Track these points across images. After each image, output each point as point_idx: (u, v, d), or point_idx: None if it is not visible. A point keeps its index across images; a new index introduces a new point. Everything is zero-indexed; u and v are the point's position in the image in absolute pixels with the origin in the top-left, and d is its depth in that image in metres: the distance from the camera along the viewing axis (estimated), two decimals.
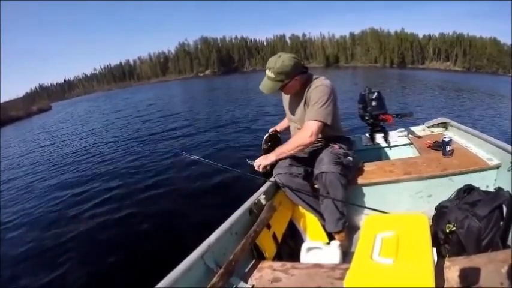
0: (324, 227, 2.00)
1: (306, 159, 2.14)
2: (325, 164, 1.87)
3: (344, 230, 1.96)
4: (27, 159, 9.11)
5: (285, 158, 2.06)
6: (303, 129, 1.98)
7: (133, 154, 7.06)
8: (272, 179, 2.04)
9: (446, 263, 1.21)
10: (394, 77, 33.55)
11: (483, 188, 1.92)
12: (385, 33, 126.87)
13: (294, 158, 2.09)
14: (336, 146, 2.06)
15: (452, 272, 1.17)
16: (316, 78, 2.06)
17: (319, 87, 1.99)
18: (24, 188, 6.12)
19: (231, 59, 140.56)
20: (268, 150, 2.17)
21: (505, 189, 1.78)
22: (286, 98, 2.26)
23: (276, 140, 2.40)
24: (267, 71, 1.96)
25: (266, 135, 2.35)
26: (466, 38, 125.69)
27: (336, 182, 1.84)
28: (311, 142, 1.95)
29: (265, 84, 1.99)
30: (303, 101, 2.06)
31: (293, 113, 2.20)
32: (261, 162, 2.01)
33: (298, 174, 2.01)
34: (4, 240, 3.91)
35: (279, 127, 2.53)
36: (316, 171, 1.91)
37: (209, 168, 4.52)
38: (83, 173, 6.34)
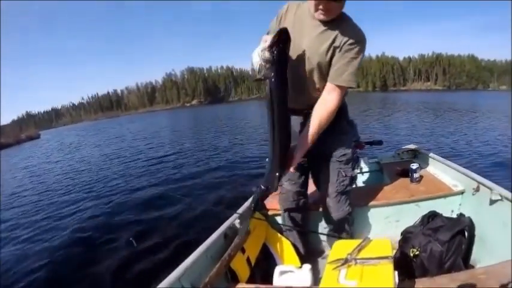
0: (297, 250, 2.01)
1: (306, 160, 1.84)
2: (334, 206, 1.79)
3: None
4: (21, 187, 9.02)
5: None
6: (330, 94, 1.49)
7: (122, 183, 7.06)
8: (279, 212, 2.07)
9: (411, 284, 1.31)
10: (376, 101, 34.28)
11: (448, 213, 2.08)
12: (367, 58, 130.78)
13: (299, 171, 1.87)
14: (343, 154, 1.71)
15: None
16: (349, 18, 1.52)
17: (362, 35, 1.48)
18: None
19: (217, 88, 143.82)
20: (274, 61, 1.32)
21: (470, 214, 1.93)
22: (292, 25, 1.51)
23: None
24: None
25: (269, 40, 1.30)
26: (445, 57, 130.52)
27: (345, 226, 1.87)
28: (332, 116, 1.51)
29: None
30: (329, 41, 1.47)
31: (305, 54, 1.52)
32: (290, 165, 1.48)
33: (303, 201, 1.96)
34: None
35: None
36: (326, 214, 1.87)
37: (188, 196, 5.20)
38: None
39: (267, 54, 1.30)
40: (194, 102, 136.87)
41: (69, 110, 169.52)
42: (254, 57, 1.39)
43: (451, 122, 12.55)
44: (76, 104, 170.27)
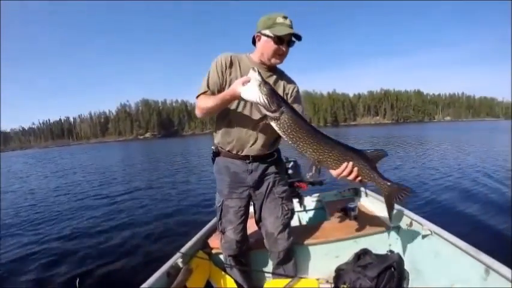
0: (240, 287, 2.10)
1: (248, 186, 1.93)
2: (281, 237, 1.92)
3: None
4: None
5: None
6: None
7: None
8: (222, 256, 2.13)
9: None
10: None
11: (386, 247, 2.31)
12: (318, 95, 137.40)
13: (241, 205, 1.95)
14: (284, 191, 1.96)
15: None
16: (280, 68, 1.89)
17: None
18: None
19: (171, 122, 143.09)
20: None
21: (404, 247, 2.18)
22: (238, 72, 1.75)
23: None
24: (281, 19, 1.64)
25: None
26: (393, 93, 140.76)
27: (291, 255, 2.01)
28: None
29: (289, 30, 1.63)
30: (281, 89, 1.80)
31: None
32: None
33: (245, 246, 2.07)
34: None
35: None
36: (272, 248, 1.97)
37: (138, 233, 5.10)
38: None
39: (268, 87, 1.43)
40: (147, 134, 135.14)
41: (18, 135, 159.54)
42: (253, 94, 1.44)
43: (398, 156, 13.33)
44: (26, 129, 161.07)
